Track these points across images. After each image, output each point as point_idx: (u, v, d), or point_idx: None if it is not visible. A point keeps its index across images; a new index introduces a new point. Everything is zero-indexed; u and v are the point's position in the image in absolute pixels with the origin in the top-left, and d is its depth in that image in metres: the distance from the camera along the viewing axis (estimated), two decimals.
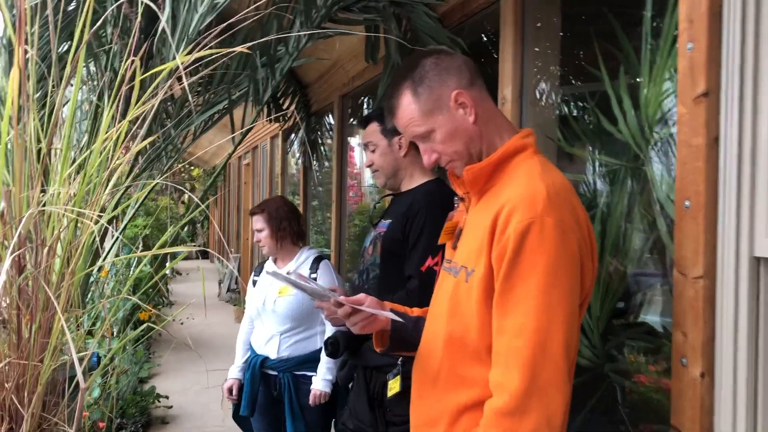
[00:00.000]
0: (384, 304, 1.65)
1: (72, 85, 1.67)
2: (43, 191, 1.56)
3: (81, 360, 1.56)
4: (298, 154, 5.91)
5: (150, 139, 2.36)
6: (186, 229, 16.85)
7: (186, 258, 15.52)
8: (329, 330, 2.83)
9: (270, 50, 2.68)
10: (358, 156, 5.19)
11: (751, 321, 1.28)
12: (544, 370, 1.21)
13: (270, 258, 3.02)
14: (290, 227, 2.91)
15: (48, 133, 1.62)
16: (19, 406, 1.50)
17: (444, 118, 1.40)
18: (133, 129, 1.72)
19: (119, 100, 1.64)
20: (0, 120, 1.35)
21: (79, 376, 1.21)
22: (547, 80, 2.13)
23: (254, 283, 3.05)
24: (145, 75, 1.60)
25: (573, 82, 2.25)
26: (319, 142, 5.39)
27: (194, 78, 1.71)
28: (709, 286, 1.34)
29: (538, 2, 2.11)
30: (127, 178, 2.84)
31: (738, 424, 1.29)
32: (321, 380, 2.78)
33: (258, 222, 2.91)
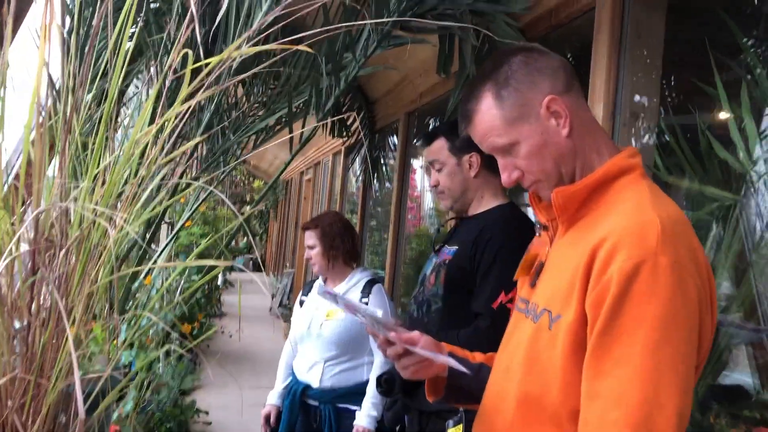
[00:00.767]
0: (442, 345, 1.41)
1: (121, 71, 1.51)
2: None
3: (90, 380, 1.38)
4: (359, 172, 5.75)
5: (198, 140, 2.19)
6: (245, 240, 16.96)
7: (241, 269, 15.50)
8: (378, 362, 2.60)
9: (336, 56, 2.50)
10: (419, 178, 4.98)
11: None
12: None
13: (320, 277, 2.82)
14: (343, 245, 2.70)
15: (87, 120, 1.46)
16: (20, 428, 1.32)
17: (531, 129, 1.16)
18: (179, 123, 1.55)
19: (165, 92, 1.47)
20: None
21: (79, 404, 1.01)
22: (647, 98, 1.86)
23: (301, 303, 2.85)
24: (196, 65, 1.42)
25: (677, 99, 1.97)
26: (381, 161, 5.21)
27: (250, 73, 1.52)
28: None
29: (639, 8, 1.85)
30: (178, 182, 2.70)
31: None
32: (365, 416, 2.54)
33: (310, 238, 2.72)
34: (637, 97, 1.88)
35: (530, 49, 1.19)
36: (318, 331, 2.64)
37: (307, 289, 2.88)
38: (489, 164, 2.03)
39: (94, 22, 1.50)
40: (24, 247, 1.24)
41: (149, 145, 1.40)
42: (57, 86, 1.67)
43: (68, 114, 1.33)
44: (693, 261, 1.02)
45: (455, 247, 1.96)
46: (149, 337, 3.38)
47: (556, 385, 1.09)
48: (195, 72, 1.35)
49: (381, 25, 2.35)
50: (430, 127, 4.69)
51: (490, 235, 1.87)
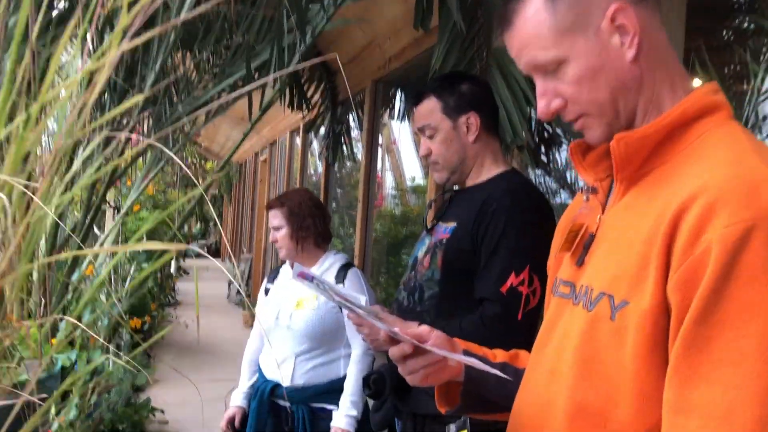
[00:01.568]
0: (455, 342, 1.13)
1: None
2: None
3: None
4: (320, 150, 5.41)
5: (140, 96, 1.85)
6: (198, 226, 16.43)
7: (197, 256, 15.04)
8: (357, 354, 2.31)
9: (301, 6, 2.16)
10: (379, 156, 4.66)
11: None
12: None
13: (287, 262, 2.50)
14: (315, 226, 2.39)
15: None
16: None
17: (587, 45, 0.88)
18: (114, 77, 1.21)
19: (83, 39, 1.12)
20: None
21: None
22: None
23: (266, 291, 2.53)
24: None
25: None
26: (345, 137, 4.89)
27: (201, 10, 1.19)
28: None
29: None
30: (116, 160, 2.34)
31: None
32: (343, 416, 2.25)
33: (276, 218, 2.39)
34: None
35: None
36: (288, 322, 2.32)
37: (273, 275, 2.56)
38: (489, 125, 1.75)
39: None
40: None
41: (76, 101, 1.06)
42: None
43: None
44: None
45: (453, 224, 1.67)
46: (93, 335, 3.02)
47: (626, 395, 0.82)
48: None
49: None
50: (399, 96, 4.39)
51: (495, 207, 1.59)
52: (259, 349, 2.52)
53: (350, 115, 4.82)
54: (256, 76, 2.47)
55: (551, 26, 0.88)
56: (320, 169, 6.96)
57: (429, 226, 1.79)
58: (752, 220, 0.73)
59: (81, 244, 2.25)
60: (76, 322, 0.94)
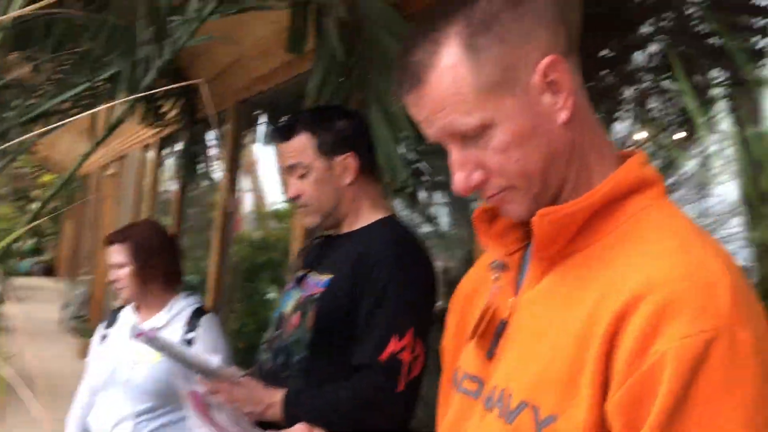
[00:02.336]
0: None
1: None
2: None
3: None
4: (174, 169, 5.03)
5: None
6: (31, 241, 14.98)
7: (27, 274, 13.68)
8: None
9: (160, 17, 1.90)
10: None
11: None
12: None
13: (129, 305, 2.18)
14: (164, 265, 2.09)
15: None
16: None
17: (516, 105, 0.72)
18: None
19: None
20: None
21: None
22: None
23: (103, 338, 2.19)
24: None
25: None
26: (201, 156, 4.58)
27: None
28: None
29: None
30: None
31: None
32: None
33: (118, 254, 2.07)
34: None
35: None
36: (127, 376, 2.01)
37: (112, 319, 2.23)
38: (367, 166, 1.59)
39: None
40: None
41: None
42: None
43: None
44: None
45: (328, 277, 1.48)
46: None
47: None
48: None
49: None
50: (260, 118, 4.16)
51: (376, 261, 1.42)
52: (90, 406, 2.16)
53: (210, 134, 4.53)
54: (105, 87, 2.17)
55: (473, 84, 0.72)
56: (173, 187, 6.53)
57: (298, 276, 1.59)
58: (712, 331, 0.62)
59: None
60: None
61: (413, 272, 1.43)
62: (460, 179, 0.75)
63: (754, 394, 0.61)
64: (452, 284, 0.98)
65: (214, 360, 1.54)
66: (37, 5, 0.82)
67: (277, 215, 6.66)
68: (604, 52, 2.26)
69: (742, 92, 1.74)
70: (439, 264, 2.97)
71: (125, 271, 2.06)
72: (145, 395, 2.00)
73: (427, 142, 0.79)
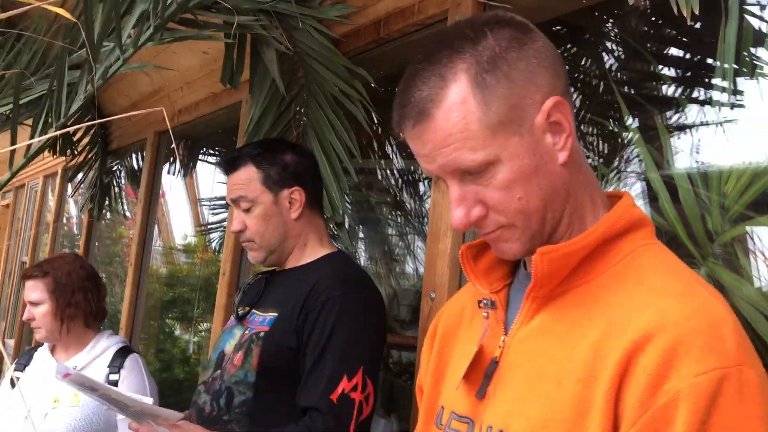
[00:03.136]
0: None
1: None
2: None
3: None
4: (82, 201, 4.77)
5: None
6: None
7: None
8: None
9: (93, 40, 1.81)
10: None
11: None
12: None
13: (44, 345, 2.03)
14: (86, 302, 1.97)
15: None
16: None
17: (521, 144, 0.74)
18: None
19: None
20: None
21: None
22: None
23: (12, 382, 2.02)
24: None
25: None
26: (114, 188, 4.38)
27: None
28: None
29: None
30: None
31: None
32: None
33: (35, 291, 1.93)
34: None
35: (521, 24, 0.77)
36: (42, 424, 1.86)
37: (24, 361, 2.06)
38: (313, 201, 1.57)
39: None
40: None
41: None
42: None
43: None
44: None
45: (272, 314, 1.44)
46: None
47: None
48: None
49: (162, 7, 1.75)
50: (182, 149, 4.04)
51: (325, 298, 1.39)
52: None
53: (122, 166, 4.35)
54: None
55: (481, 121, 0.72)
56: (76, 219, 6.18)
57: (240, 314, 1.54)
58: (723, 369, 0.64)
59: None
60: None
61: (362, 311, 1.41)
62: (460, 215, 0.75)
63: (764, 430, 0.64)
64: None
65: (148, 401, 1.45)
66: None
67: (187, 249, 6.43)
68: None
69: (652, 138, 1.85)
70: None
71: (43, 309, 1.93)
72: None
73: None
